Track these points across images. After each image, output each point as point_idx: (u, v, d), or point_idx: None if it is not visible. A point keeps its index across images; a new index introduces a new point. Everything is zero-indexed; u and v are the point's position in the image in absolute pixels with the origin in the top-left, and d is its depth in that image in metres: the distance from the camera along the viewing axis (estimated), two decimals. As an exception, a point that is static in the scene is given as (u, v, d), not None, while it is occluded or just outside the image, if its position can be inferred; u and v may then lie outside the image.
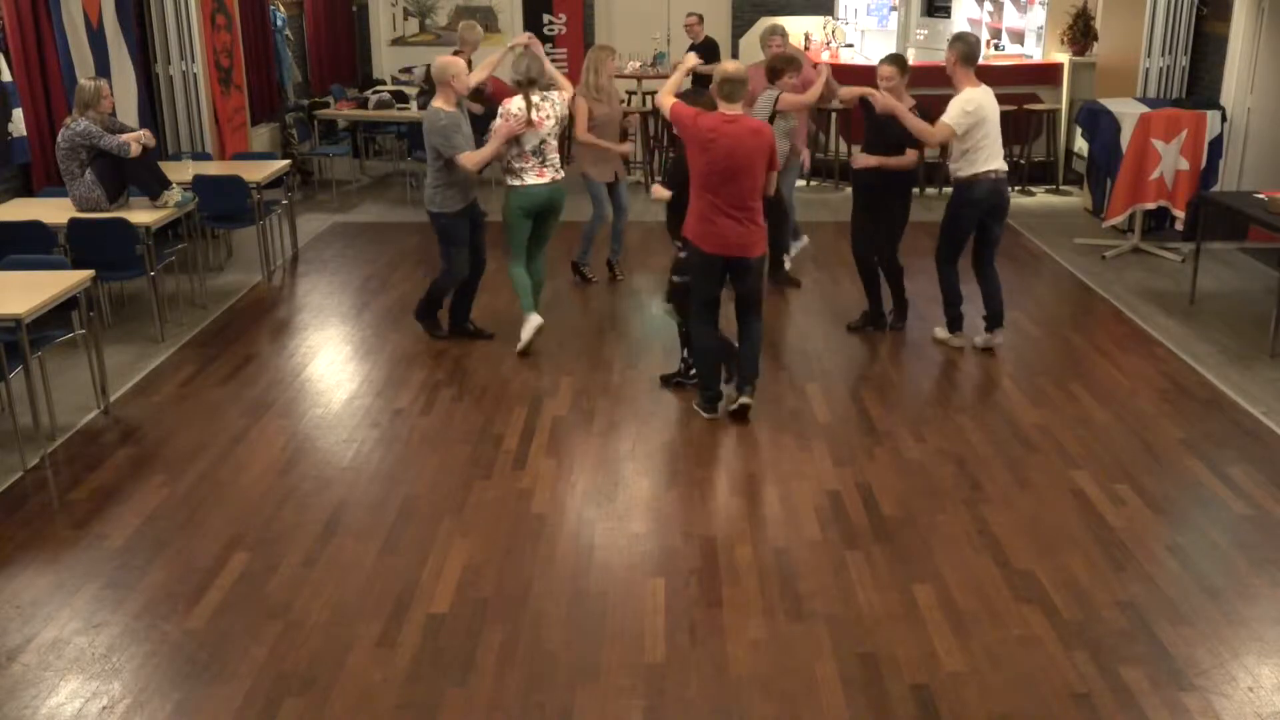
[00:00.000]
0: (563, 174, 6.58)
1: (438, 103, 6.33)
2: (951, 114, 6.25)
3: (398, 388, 6.14)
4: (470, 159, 6.26)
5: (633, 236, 9.26)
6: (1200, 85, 9.10)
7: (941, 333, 6.78)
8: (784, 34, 7.99)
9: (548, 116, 6.36)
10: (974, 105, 6.28)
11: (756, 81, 7.90)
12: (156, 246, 6.80)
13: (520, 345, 6.55)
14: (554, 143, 6.47)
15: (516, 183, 6.41)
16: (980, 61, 11.23)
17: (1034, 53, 11.25)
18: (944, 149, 7.03)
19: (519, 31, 15.12)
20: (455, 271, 6.63)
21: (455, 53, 9.46)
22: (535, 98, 6.30)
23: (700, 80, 11.21)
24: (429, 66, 9.52)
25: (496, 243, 6.91)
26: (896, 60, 6.69)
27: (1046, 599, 4.09)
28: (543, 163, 6.43)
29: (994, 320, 6.63)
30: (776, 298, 7.70)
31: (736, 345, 5.78)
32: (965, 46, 6.44)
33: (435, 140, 6.27)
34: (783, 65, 7.28)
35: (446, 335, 6.86)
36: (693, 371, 5.94)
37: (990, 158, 6.35)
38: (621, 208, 7.92)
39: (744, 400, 5.66)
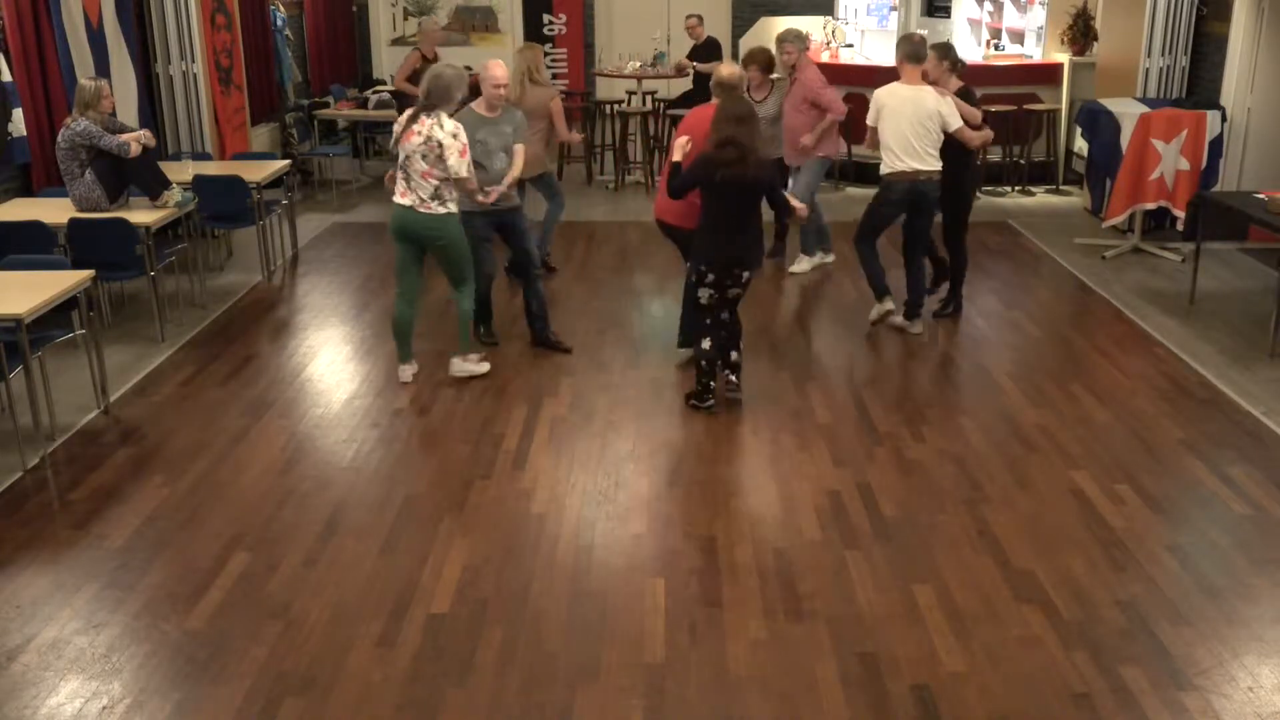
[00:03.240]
0: (426, 205, 5.85)
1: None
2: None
3: (398, 388, 6.14)
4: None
5: (632, 236, 9.27)
6: (1200, 85, 9.10)
7: (879, 312, 7.00)
8: (795, 39, 7.91)
9: (417, 133, 5.77)
10: (877, 102, 6.59)
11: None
12: (156, 246, 6.80)
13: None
14: (421, 165, 5.77)
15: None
16: (980, 61, 11.36)
17: (1034, 53, 11.25)
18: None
19: (519, 31, 15.17)
20: (484, 271, 6.49)
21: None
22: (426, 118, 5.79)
23: (701, 80, 11.24)
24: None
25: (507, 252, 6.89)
26: (936, 48, 6.84)
27: (1046, 599, 4.09)
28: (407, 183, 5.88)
29: (910, 310, 6.92)
30: (777, 297, 7.70)
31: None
32: (909, 46, 6.70)
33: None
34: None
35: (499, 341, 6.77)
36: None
37: (901, 157, 6.52)
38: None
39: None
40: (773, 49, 8.00)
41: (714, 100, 5.87)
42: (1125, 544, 4.48)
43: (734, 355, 5.87)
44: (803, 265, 8.31)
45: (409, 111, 5.93)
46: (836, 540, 4.52)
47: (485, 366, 6.31)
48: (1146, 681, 3.62)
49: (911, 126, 6.49)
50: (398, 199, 5.91)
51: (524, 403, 5.91)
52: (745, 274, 5.65)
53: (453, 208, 5.92)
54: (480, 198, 6.06)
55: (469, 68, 6.34)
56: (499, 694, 3.59)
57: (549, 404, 5.90)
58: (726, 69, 6.06)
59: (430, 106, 5.78)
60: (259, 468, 5.20)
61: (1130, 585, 4.18)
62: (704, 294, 5.66)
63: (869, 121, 6.66)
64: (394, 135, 5.98)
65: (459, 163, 5.74)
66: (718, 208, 5.55)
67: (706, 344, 5.72)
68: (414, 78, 9.47)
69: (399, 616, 4.01)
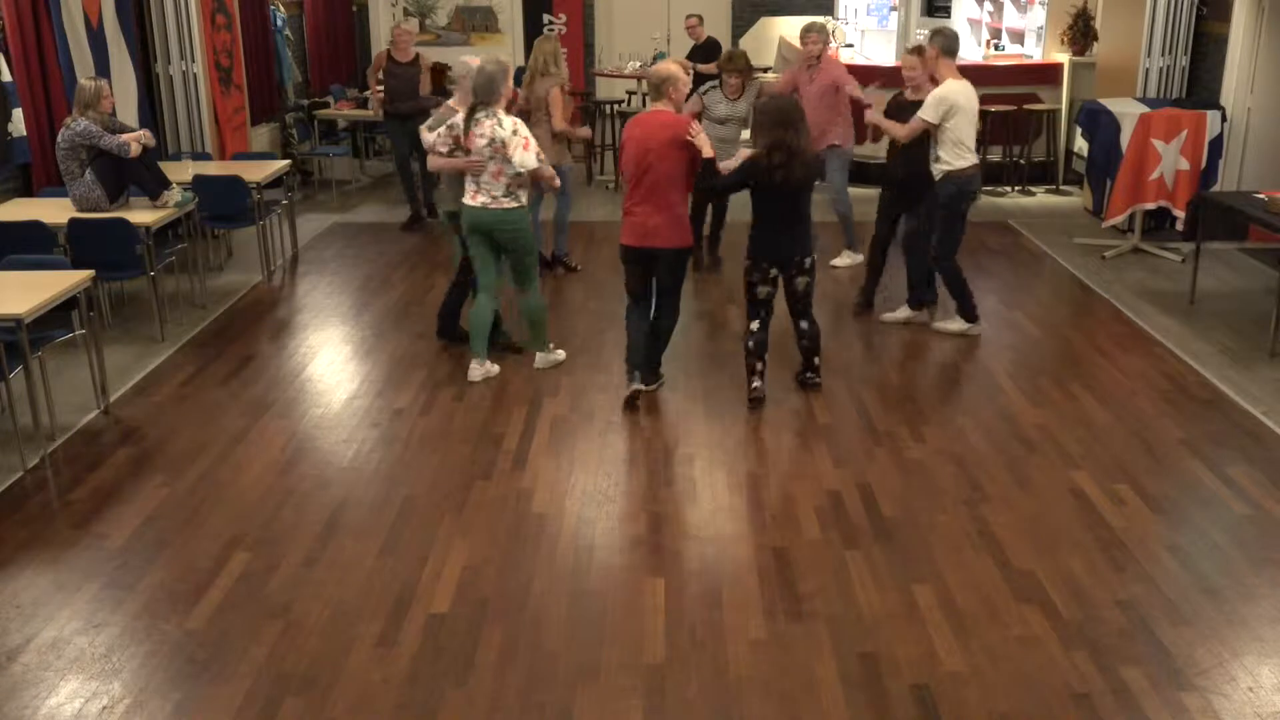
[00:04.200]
0: (499, 202, 5.94)
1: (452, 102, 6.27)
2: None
3: (398, 388, 6.14)
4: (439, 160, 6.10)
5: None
6: (1200, 85, 9.10)
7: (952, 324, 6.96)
8: (820, 30, 8.08)
9: (480, 136, 5.84)
10: (947, 101, 6.52)
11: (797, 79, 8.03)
12: (156, 246, 6.80)
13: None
14: (490, 167, 5.85)
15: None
16: (980, 61, 11.37)
17: (1034, 53, 11.25)
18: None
19: (519, 31, 15.17)
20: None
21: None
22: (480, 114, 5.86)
23: (701, 81, 11.23)
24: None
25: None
26: (918, 51, 6.87)
27: (1046, 599, 4.09)
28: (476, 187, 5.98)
29: (913, 300, 7.11)
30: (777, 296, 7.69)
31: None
32: (944, 40, 6.70)
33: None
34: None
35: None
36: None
37: (972, 150, 6.58)
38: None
39: (634, 386, 5.84)
40: (782, 46, 8.08)
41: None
42: (1125, 544, 4.48)
43: (816, 360, 6.01)
44: (844, 260, 8.52)
45: (461, 113, 6.00)
46: (836, 540, 4.52)
47: (562, 354, 6.46)
48: (1146, 681, 3.62)
49: (973, 120, 6.55)
50: (468, 201, 5.97)
51: (524, 403, 5.91)
52: (806, 260, 5.73)
53: (524, 199, 6.01)
54: (557, 183, 6.24)
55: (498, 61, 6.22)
56: (499, 694, 3.59)
57: (549, 404, 5.90)
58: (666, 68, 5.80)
59: (483, 104, 5.85)
60: (259, 468, 5.20)
61: (1130, 585, 4.18)
62: (762, 291, 5.77)
63: (932, 119, 6.41)
64: (441, 134, 6.01)
65: (525, 156, 5.80)
66: (769, 208, 5.65)
67: (755, 325, 5.81)
68: (385, 78, 9.64)
69: (399, 616, 4.01)
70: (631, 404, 5.80)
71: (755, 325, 5.81)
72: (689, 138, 5.49)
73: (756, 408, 5.79)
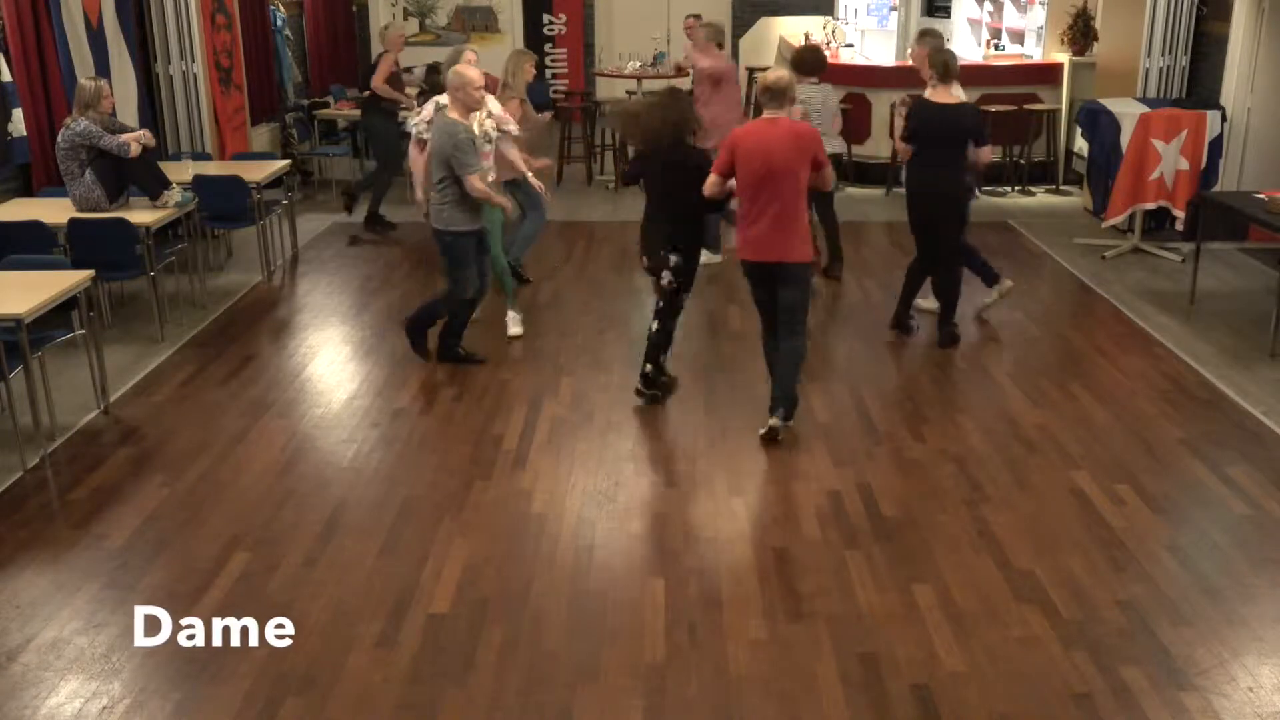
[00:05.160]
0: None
1: (454, 114, 5.99)
2: None
3: (398, 388, 6.14)
4: (480, 184, 5.97)
5: (632, 235, 9.24)
6: (1200, 85, 9.10)
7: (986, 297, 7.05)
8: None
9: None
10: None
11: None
12: (156, 246, 6.80)
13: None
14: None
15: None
16: (980, 61, 11.36)
17: (1034, 53, 11.25)
18: None
19: (519, 31, 15.17)
20: (459, 293, 6.25)
21: (382, 54, 9.57)
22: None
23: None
24: (429, 67, 9.59)
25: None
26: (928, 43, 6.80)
27: (1046, 599, 4.09)
28: None
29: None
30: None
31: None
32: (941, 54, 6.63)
33: (450, 153, 5.90)
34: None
35: (431, 360, 6.41)
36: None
37: None
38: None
39: (772, 422, 5.49)
40: (782, 46, 8.03)
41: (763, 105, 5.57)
42: (1125, 544, 4.48)
43: (662, 358, 5.81)
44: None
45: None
46: (836, 540, 4.52)
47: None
48: (1146, 681, 3.62)
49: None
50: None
51: (524, 403, 5.91)
52: (672, 257, 5.57)
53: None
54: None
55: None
56: (499, 694, 3.59)
57: (549, 404, 5.90)
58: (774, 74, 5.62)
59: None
60: (259, 468, 5.20)
61: (1130, 585, 4.18)
62: (667, 278, 5.62)
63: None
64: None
65: None
66: (650, 200, 5.64)
67: (655, 326, 5.74)
68: (393, 80, 9.56)
69: (399, 616, 4.01)
70: (773, 438, 5.35)
71: (655, 325, 5.76)
72: (821, 150, 5.29)
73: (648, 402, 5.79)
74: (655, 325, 5.76)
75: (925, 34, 7.36)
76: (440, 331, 6.40)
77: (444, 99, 6.26)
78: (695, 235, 5.70)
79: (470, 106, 6.09)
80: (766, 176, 5.20)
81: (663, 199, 5.64)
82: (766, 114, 5.35)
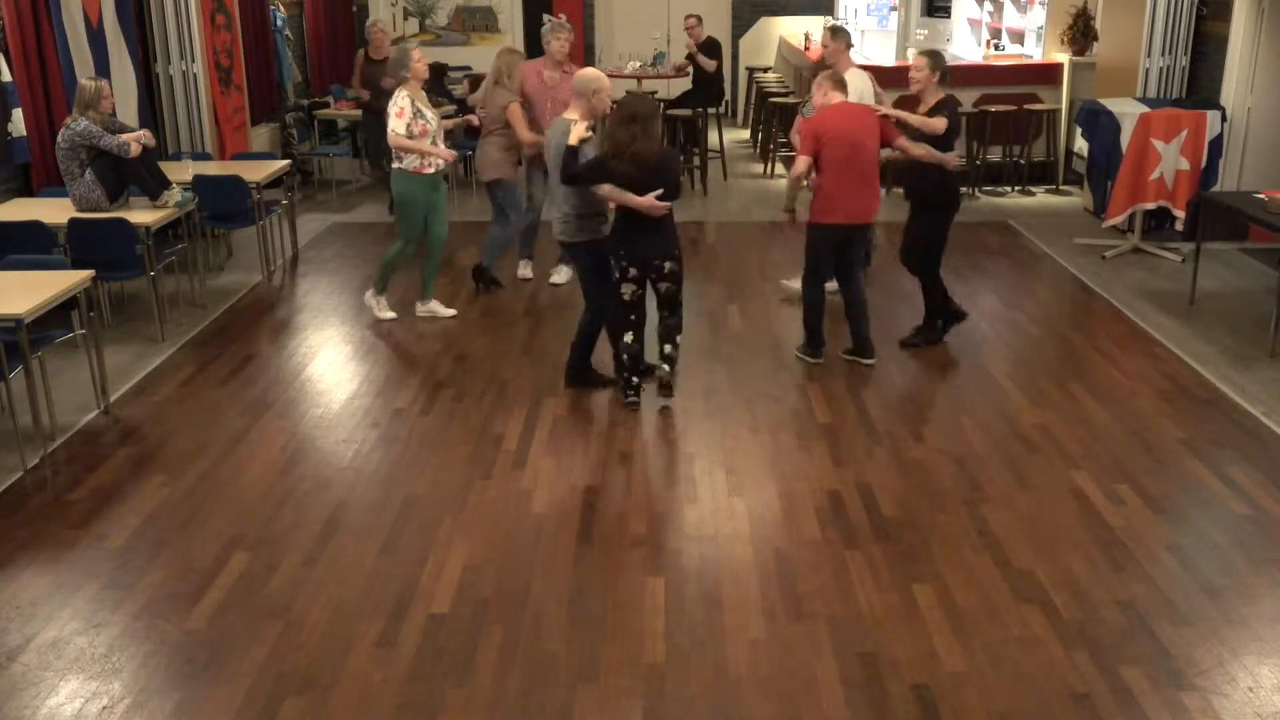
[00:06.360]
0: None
1: (573, 114, 5.73)
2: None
3: (398, 388, 6.14)
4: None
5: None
6: (1200, 85, 9.10)
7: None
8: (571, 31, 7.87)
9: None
10: None
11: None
12: (156, 246, 6.80)
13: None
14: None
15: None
16: (980, 61, 11.36)
17: (1034, 53, 11.26)
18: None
19: (519, 31, 15.16)
20: (606, 311, 5.84)
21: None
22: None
23: (701, 79, 11.24)
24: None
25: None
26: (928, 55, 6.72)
27: (1046, 599, 4.09)
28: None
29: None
30: (775, 299, 7.70)
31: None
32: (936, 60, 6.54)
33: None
34: None
35: (608, 383, 6.07)
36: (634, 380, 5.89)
37: None
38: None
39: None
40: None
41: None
42: (1125, 544, 4.48)
43: (668, 349, 5.83)
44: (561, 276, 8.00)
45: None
46: (836, 540, 4.52)
47: (450, 311, 7.23)
48: (1146, 681, 3.62)
49: None
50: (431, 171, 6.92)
51: (524, 403, 5.91)
52: (667, 264, 5.61)
53: (404, 161, 6.89)
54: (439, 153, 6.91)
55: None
56: (499, 694, 3.59)
57: (549, 404, 5.90)
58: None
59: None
60: (259, 468, 5.20)
61: (1130, 585, 4.18)
62: (627, 290, 5.64)
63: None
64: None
65: (395, 123, 6.73)
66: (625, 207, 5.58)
67: (629, 338, 5.74)
68: (364, 79, 9.80)
69: (399, 616, 4.01)
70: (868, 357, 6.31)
71: (629, 337, 5.73)
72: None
73: (635, 410, 5.77)
74: (630, 336, 5.76)
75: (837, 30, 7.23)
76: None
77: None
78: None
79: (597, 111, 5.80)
80: (853, 151, 6.06)
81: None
82: (832, 99, 6.22)
